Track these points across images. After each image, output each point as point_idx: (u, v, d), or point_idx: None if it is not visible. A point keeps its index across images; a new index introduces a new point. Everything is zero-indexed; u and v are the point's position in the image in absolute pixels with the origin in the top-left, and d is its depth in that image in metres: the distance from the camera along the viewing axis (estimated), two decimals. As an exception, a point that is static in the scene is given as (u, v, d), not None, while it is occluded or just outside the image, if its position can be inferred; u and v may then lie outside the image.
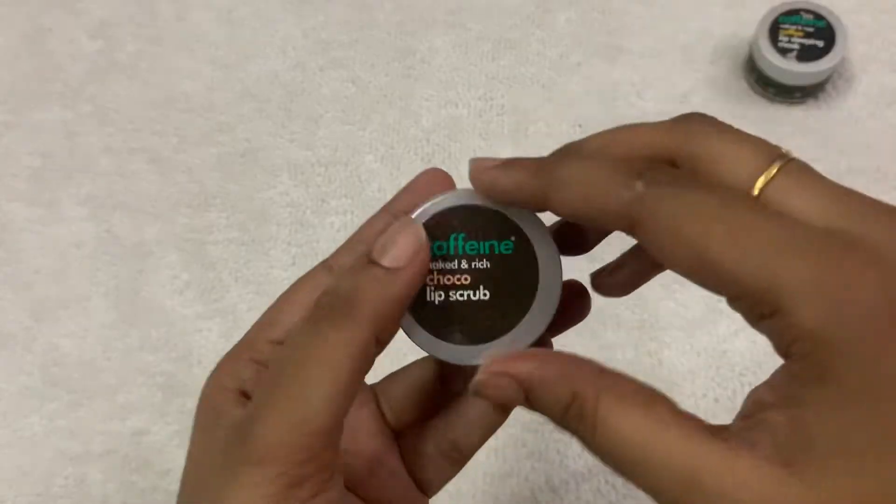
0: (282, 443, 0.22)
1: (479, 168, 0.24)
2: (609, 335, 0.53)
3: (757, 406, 0.20)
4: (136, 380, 0.56)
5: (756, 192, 0.21)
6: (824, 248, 0.19)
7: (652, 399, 0.20)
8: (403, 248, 0.24)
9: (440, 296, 0.25)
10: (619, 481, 0.50)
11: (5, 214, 0.62)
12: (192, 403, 0.58)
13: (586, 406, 0.21)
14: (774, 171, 0.21)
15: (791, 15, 0.59)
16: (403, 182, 0.65)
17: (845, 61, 0.61)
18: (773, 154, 0.21)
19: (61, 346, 0.57)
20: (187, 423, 0.57)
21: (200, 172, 0.62)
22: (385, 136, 0.62)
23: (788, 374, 0.19)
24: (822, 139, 0.59)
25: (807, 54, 0.58)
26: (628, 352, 0.53)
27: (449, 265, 0.25)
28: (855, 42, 0.61)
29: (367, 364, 0.23)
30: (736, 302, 0.20)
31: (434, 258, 0.25)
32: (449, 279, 0.25)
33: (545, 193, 0.22)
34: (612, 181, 0.21)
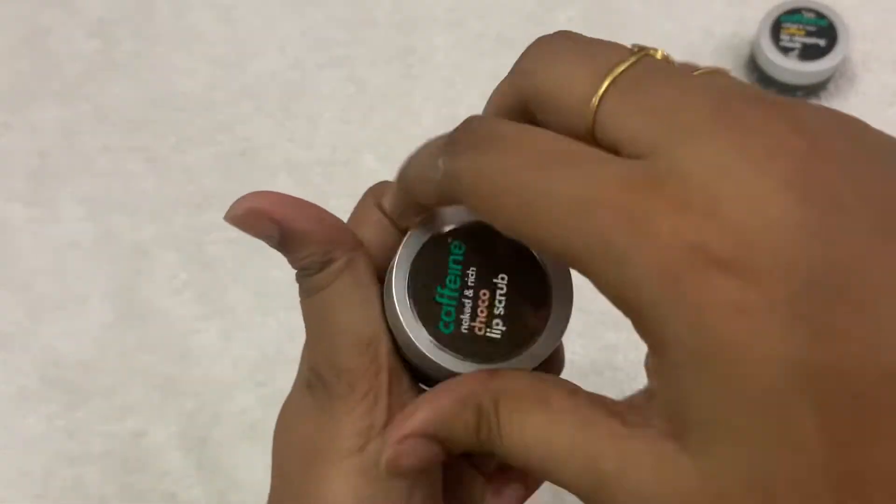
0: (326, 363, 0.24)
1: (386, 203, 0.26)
2: (610, 335, 0.53)
3: (648, 377, 0.19)
4: (134, 380, 0.56)
5: (589, 124, 0.18)
6: (618, 198, 0.17)
7: (547, 392, 0.20)
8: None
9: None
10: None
11: (2, 214, 0.61)
12: (191, 404, 0.58)
13: (490, 416, 0.21)
14: (602, 89, 0.18)
15: (793, 14, 0.59)
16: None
17: (847, 60, 0.61)
18: (608, 64, 0.19)
19: (59, 347, 0.57)
20: (186, 423, 0.57)
21: (199, 172, 0.62)
22: (385, 136, 0.62)
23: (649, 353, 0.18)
24: (823, 138, 0.59)
25: (808, 53, 0.58)
26: (630, 353, 0.53)
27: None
28: (857, 41, 0.61)
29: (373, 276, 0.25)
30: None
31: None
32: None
33: (411, 200, 0.23)
34: (426, 164, 0.21)
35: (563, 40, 0.20)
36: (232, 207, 0.25)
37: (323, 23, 0.66)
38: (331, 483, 0.24)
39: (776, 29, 0.58)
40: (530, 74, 0.20)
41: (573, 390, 0.20)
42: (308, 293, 0.25)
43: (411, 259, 0.25)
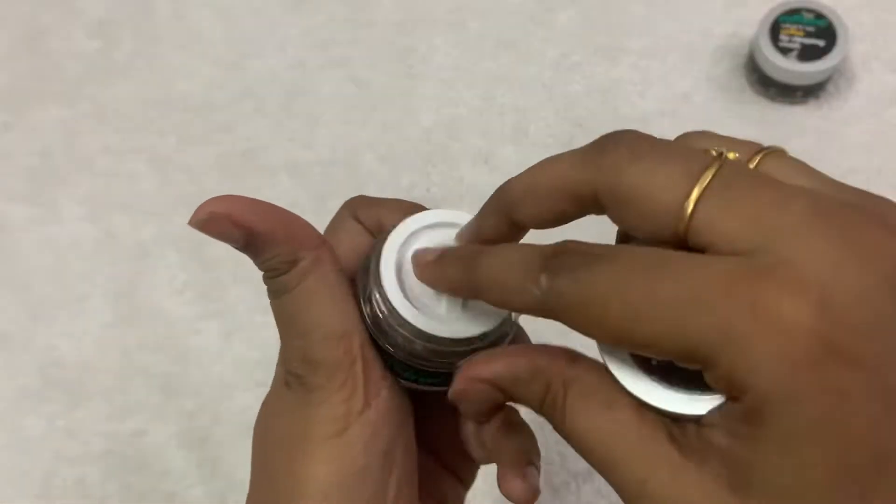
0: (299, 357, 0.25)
1: (419, 264, 0.26)
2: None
3: (709, 422, 0.19)
4: (134, 380, 0.56)
5: (684, 227, 0.19)
6: (734, 289, 0.17)
7: (615, 399, 0.21)
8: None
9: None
10: (620, 482, 0.50)
11: (3, 214, 0.62)
12: (191, 404, 0.58)
13: (557, 398, 0.21)
14: (695, 195, 0.19)
15: (792, 14, 0.59)
16: (404, 182, 0.65)
17: (846, 61, 0.61)
18: (695, 170, 0.19)
19: (60, 347, 0.57)
20: (186, 423, 0.57)
21: (199, 172, 0.62)
22: (385, 136, 0.62)
23: (729, 411, 0.19)
24: (822, 139, 0.59)
25: (808, 54, 0.58)
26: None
27: None
28: (856, 41, 0.61)
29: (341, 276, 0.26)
30: (681, 365, 0.19)
31: None
32: None
33: (476, 293, 0.23)
34: (521, 280, 0.21)
35: (641, 140, 0.21)
36: (195, 212, 0.25)
37: (323, 23, 0.66)
38: (311, 466, 0.25)
39: (775, 29, 0.58)
40: (609, 170, 0.20)
41: (637, 406, 0.21)
42: (277, 294, 0.26)
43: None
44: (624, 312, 0.19)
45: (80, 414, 0.55)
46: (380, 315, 0.26)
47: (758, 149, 0.22)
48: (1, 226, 0.61)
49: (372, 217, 0.28)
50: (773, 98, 0.60)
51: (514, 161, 0.60)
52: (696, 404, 0.20)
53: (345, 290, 0.26)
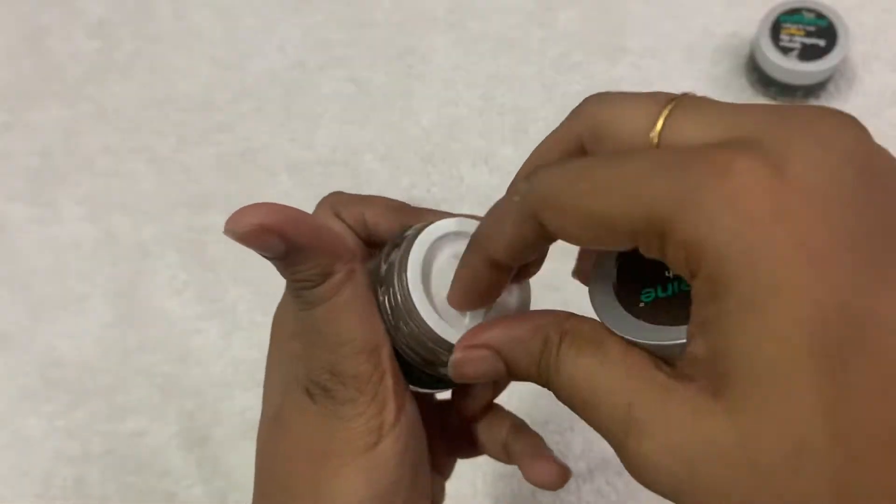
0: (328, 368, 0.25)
1: (452, 297, 0.26)
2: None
3: (688, 336, 0.19)
4: (134, 380, 0.56)
5: (655, 140, 0.20)
6: (697, 160, 0.18)
7: (605, 339, 0.21)
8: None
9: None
10: (620, 482, 0.50)
11: (3, 214, 0.62)
12: (191, 404, 0.58)
13: (552, 351, 0.22)
14: (666, 113, 0.20)
15: (792, 14, 0.59)
16: (404, 182, 0.65)
17: (847, 60, 0.61)
18: (663, 100, 0.20)
19: (60, 347, 0.57)
20: (186, 423, 0.57)
21: (199, 172, 0.62)
22: (385, 136, 0.62)
23: (694, 297, 0.18)
24: (823, 138, 0.59)
25: (808, 53, 0.58)
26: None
27: None
28: (856, 41, 0.61)
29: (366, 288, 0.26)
30: (641, 247, 0.19)
31: None
32: None
33: (489, 258, 0.23)
34: (506, 202, 0.22)
35: (614, 92, 0.22)
36: (233, 221, 0.23)
37: (323, 23, 0.66)
38: (346, 478, 0.25)
39: (776, 29, 0.58)
40: (587, 115, 0.22)
41: (631, 344, 0.21)
42: (308, 305, 0.26)
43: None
44: (590, 186, 0.19)
45: (80, 414, 0.55)
46: (395, 310, 0.26)
47: None
48: (1, 226, 0.61)
49: (355, 214, 0.28)
50: (773, 98, 0.60)
51: (514, 161, 0.60)
52: (680, 333, 0.20)
53: (373, 302, 0.26)
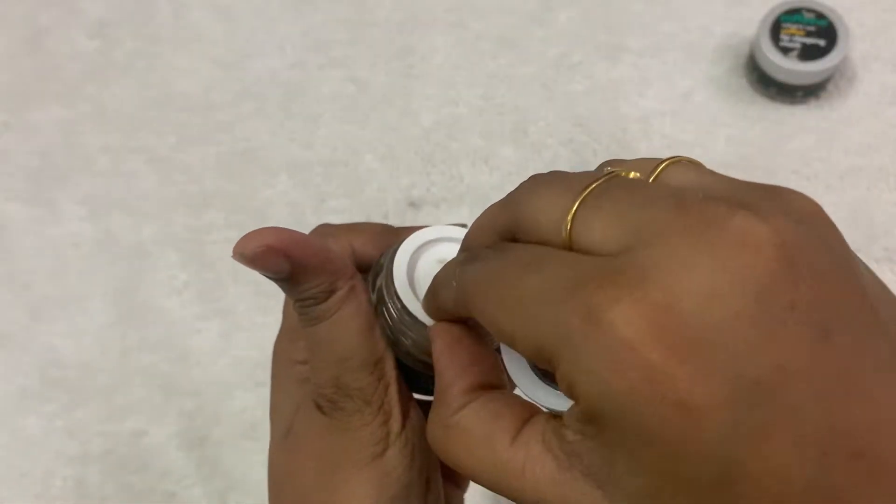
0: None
1: (423, 303, 0.26)
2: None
3: (565, 422, 0.19)
4: (134, 380, 0.56)
5: (566, 239, 0.20)
6: (578, 290, 0.17)
7: (492, 431, 0.21)
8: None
9: None
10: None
11: (3, 214, 0.62)
12: (191, 404, 0.58)
13: (434, 435, 0.22)
14: (572, 211, 0.19)
15: (792, 14, 0.59)
16: (404, 182, 0.65)
17: (847, 60, 0.61)
18: (578, 188, 0.20)
19: (59, 347, 0.57)
20: (186, 423, 0.57)
21: (199, 172, 0.62)
22: (385, 136, 0.62)
23: (572, 411, 0.19)
24: (823, 139, 0.59)
25: (808, 53, 0.58)
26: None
27: None
28: (856, 41, 0.61)
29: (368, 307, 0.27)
30: (539, 365, 0.19)
31: None
32: None
33: (441, 308, 0.24)
34: (447, 277, 0.23)
35: (550, 175, 0.22)
36: (241, 244, 0.24)
37: (323, 23, 0.66)
38: (356, 488, 0.26)
39: (776, 29, 0.58)
40: (515, 204, 0.22)
41: (518, 428, 0.21)
42: (311, 322, 0.27)
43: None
44: (496, 301, 0.20)
45: (79, 414, 0.55)
46: (393, 324, 0.27)
47: (661, 162, 0.21)
48: (1, 226, 0.61)
49: (342, 244, 0.29)
50: (773, 98, 0.60)
51: (513, 161, 0.60)
52: (560, 399, 0.20)
53: (374, 315, 0.27)
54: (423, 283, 0.27)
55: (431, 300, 0.25)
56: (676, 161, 0.21)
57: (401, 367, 0.27)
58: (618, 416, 0.17)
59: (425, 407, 0.28)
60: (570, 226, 0.19)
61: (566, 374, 0.18)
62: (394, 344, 0.27)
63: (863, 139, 0.59)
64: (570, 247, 0.19)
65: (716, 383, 0.16)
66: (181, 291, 0.58)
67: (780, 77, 0.58)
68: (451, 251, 0.28)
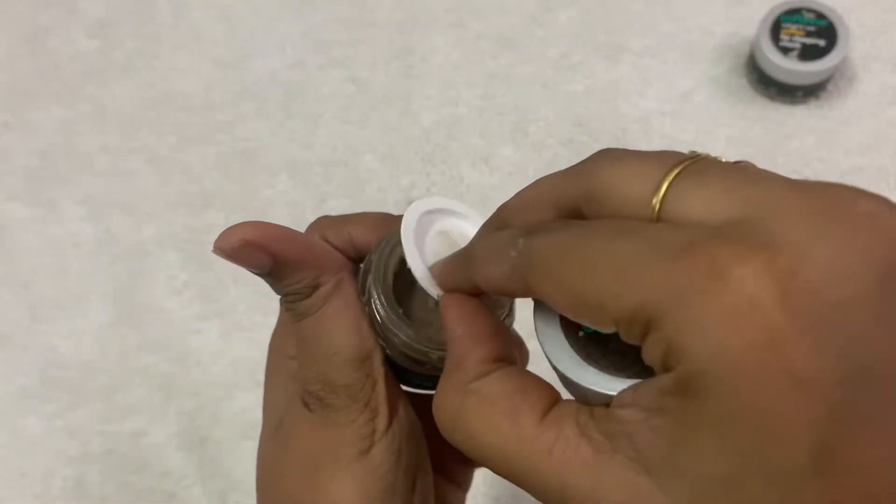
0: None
1: (435, 274, 0.25)
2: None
3: (619, 402, 0.18)
4: (134, 380, 0.56)
5: (654, 211, 0.19)
6: (697, 254, 0.16)
7: (518, 406, 0.20)
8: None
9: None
10: None
11: (3, 214, 0.61)
12: (190, 404, 0.58)
13: (448, 405, 0.21)
14: (667, 183, 0.18)
15: (792, 14, 0.59)
16: (404, 182, 0.65)
17: (847, 60, 0.61)
18: (667, 164, 0.19)
19: (59, 347, 0.57)
20: (186, 423, 0.57)
21: (199, 172, 0.62)
22: (385, 136, 0.62)
23: (652, 384, 0.17)
24: (823, 139, 0.59)
25: (808, 53, 0.58)
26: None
27: None
28: (856, 41, 0.61)
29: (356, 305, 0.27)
30: (620, 331, 0.18)
31: None
32: None
33: (471, 280, 0.23)
34: (502, 248, 0.21)
35: (621, 150, 0.21)
36: (221, 239, 0.24)
37: (323, 23, 0.66)
38: (339, 484, 0.25)
39: (776, 29, 0.58)
40: (587, 176, 0.20)
41: (548, 406, 0.20)
42: (297, 318, 0.26)
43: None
44: (583, 264, 0.18)
45: (79, 414, 0.55)
46: (381, 320, 0.26)
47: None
48: (1, 226, 0.61)
49: (342, 236, 0.28)
50: (773, 98, 0.60)
51: (514, 161, 0.60)
52: (611, 382, 0.19)
53: (361, 310, 0.27)
54: (430, 253, 0.26)
55: (467, 274, 0.23)
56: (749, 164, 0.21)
57: (389, 362, 0.27)
58: (724, 378, 0.16)
59: (415, 404, 0.28)
60: (663, 198, 0.18)
61: (672, 333, 0.16)
62: (382, 339, 0.27)
63: (863, 139, 0.59)
64: (657, 221, 0.19)
65: (832, 361, 0.16)
66: (181, 291, 0.58)
67: (780, 77, 0.58)
68: (454, 225, 0.27)
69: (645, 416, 0.17)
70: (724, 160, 0.20)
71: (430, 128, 0.62)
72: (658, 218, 0.18)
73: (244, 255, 0.25)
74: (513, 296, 0.23)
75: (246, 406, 0.54)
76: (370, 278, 0.27)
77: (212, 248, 0.24)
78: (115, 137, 0.64)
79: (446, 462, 0.31)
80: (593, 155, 0.21)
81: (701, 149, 0.65)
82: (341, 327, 0.26)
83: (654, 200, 0.18)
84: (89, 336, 0.57)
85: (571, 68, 0.63)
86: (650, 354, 0.17)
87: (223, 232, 0.24)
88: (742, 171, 0.18)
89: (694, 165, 0.19)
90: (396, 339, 0.26)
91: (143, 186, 0.62)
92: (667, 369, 0.17)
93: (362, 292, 0.27)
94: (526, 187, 0.23)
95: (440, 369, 0.27)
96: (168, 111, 0.64)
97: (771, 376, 0.16)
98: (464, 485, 0.33)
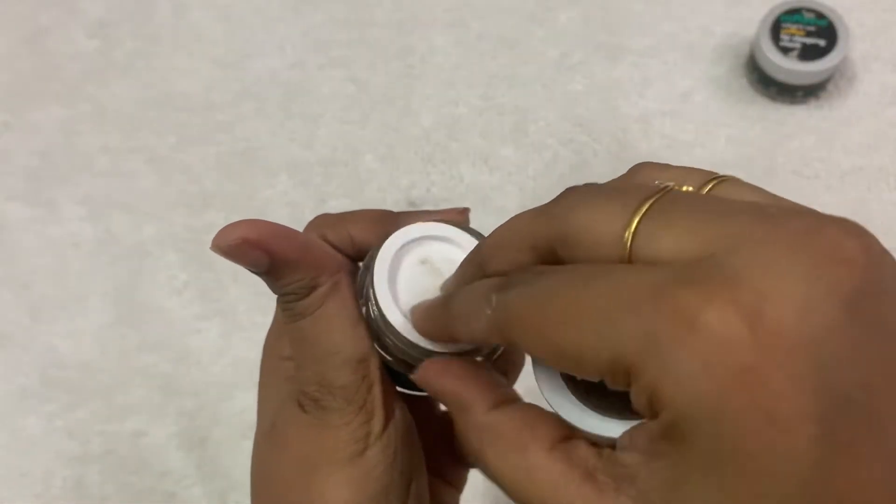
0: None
1: (417, 327, 0.25)
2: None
3: (622, 445, 0.19)
4: (134, 380, 0.56)
5: (626, 252, 0.19)
6: (665, 301, 0.17)
7: (527, 440, 0.20)
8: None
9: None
10: None
11: (3, 214, 0.62)
12: (190, 404, 0.58)
13: (468, 444, 0.22)
14: (635, 222, 0.18)
15: (793, 14, 0.59)
16: (404, 182, 0.65)
17: (847, 60, 0.61)
18: (634, 202, 0.19)
19: (59, 347, 0.57)
20: (186, 423, 0.57)
21: (199, 172, 0.62)
22: (385, 136, 0.62)
23: (646, 430, 0.18)
24: (823, 139, 0.59)
25: (808, 53, 0.58)
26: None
27: None
28: (857, 41, 0.61)
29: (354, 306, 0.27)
30: (609, 383, 0.18)
31: None
32: None
33: (450, 332, 0.23)
34: (478, 302, 0.21)
35: (590, 187, 0.21)
36: (219, 237, 0.24)
37: (323, 23, 0.66)
38: (333, 486, 0.25)
39: (776, 29, 0.58)
40: (558, 218, 0.20)
41: (555, 442, 0.20)
42: (294, 318, 0.26)
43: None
44: (557, 318, 0.18)
45: (79, 414, 0.55)
46: (376, 325, 0.26)
47: (710, 177, 0.21)
48: (1, 226, 0.61)
49: (341, 234, 0.28)
50: (773, 98, 0.60)
51: (514, 161, 0.60)
52: (612, 426, 0.20)
53: (358, 313, 0.27)
54: (406, 286, 0.26)
55: (446, 327, 0.24)
56: (724, 179, 0.21)
57: (386, 364, 0.27)
58: (704, 424, 0.16)
59: (411, 405, 0.28)
60: (632, 238, 0.18)
61: (650, 383, 0.17)
62: (378, 342, 0.27)
63: (863, 139, 0.59)
64: (629, 261, 0.19)
65: (807, 395, 0.16)
66: (181, 291, 0.58)
67: (780, 77, 0.58)
68: (435, 250, 0.27)
69: (643, 459, 0.18)
70: (692, 190, 0.21)
71: (430, 128, 0.62)
72: (629, 259, 0.19)
73: (242, 253, 0.24)
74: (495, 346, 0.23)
75: (246, 406, 0.54)
76: (368, 280, 0.27)
77: (210, 246, 0.24)
78: (115, 137, 0.64)
79: (441, 463, 0.31)
80: (564, 193, 0.21)
81: (701, 149, 0.65)
82: (338, 329, 0.26)
83: (625, 241, 0.19)
84: (89, 336, 0.57)
85: (571, 68, 0.63)
86: (636, 402, 0.18)
87: (222, 229, 0.24)
88: (708, 204, 0.19)
89: (661, 202, 0.19)
90: (391, 343, 0.26)
91: (143, 186, 0.62)
92: (653, 416, 0.17)
93: (360, 293, 0.27)
94: (501, 226, 0.23)
95: None
96: (168, 111, 0.64)
97: (748, 418, 0.16)
98: (458, 485, 0.33)
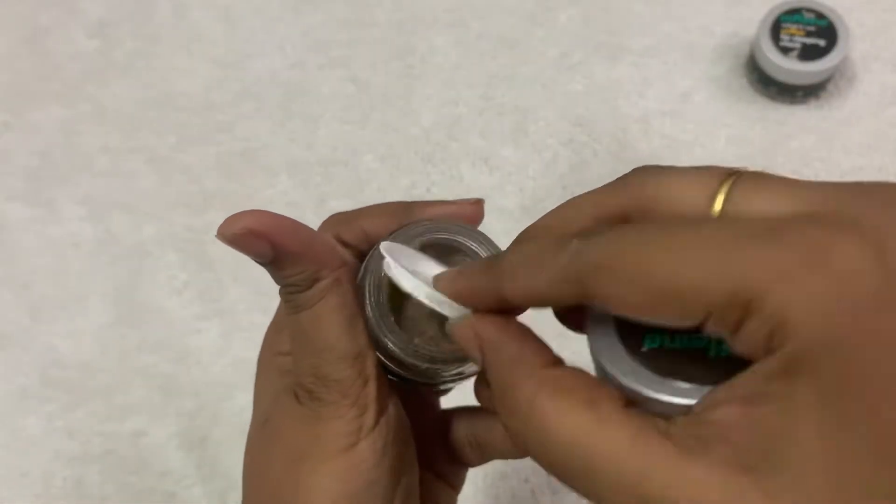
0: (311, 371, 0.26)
1: (443, 282, 0.24)
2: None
3: (710, 403, 0.18)
4: (134, 380, 0.56)
5: (717, 213, 0.19)
6: (793, 235, 0.17)
7: (597, 395, 0.19)
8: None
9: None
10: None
11: (3, 214, 0.62)
12: (190, 404, 0.58)
13: (521, 397, 0.20)
14: (727, 187, 0.19)
15: (793, 14, 0.59)
16: (404, 181, 0.65)
17: (847, 60, 0.61)
18: (722, 174, 0.20)
19: (59, 347, 0.57)
20: (186, 423, 0.57)
21: (199, 172, 0.62)
22: (385, 136, 0.62)
23: (754, 372, 0.17)
24: (823, 138, 0.59)
25: (808, 53, 0.58)
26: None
27: None
28: (857, 41, 0.61)
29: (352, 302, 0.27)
30: (710, 321, 0.17)
31: None
32: None
33: (498, 289, 0.21)
34: (548, 252, 0.20)
35: (663, 165, 0.21)
36: (225, 225, 0.25)
37: (323, 23, 0.66)
38: (322, 477, 0.26)
39: (776, 29, 0.58)
40: (636, 187, 0.21)
41: (626, 402, 0.19)
42: (294, 310, 0.26)
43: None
44: (662, 256, 0.17)
45: (79, 414, 0.55)
46: (371, 324, 0.27)
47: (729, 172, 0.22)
48: (1, 226, 0.61)
49: (354, 230, 0.28)
50: (773, 98, 0.60)
51: (514, 161, 0.60)
52: (690, 393, 0.18)
53: (357, 309, 0.27)
54: (417, 267, 0.26)
55: (490, 283, 0.22)
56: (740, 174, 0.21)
57: (381, 361, 0.27)
58: (836, 350, 0.16)
59: (406, 404, 0.28)
60: (723, 205, 0.19)
61: (778, 311, 0.16)
62: (374, 341, 0.27)
63: (863, 139, 0.59)
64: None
65: None
66: (181, 291, 0.58)
67: (781, 77, 0.58)
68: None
69: (743, 411, 0.17)
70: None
71: (430, 128, 0.62)
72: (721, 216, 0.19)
73: (246, 243, 0.25)
74: (551, 304, 0.21)
75: (246, 406, 0.54)
76: (367, 280, 0.27)
77: (215, 234, 0.24)
78: (115, 137, 0.64)
79: (438, 462, 0.31)
80: (634, 170, 0.22)
81: (701, 149, 0.65)
82: (336, 324, 0.26)
83: (717, 201, 0.19)
84: (89, 336, 0.57)
85: (571, 68, 0.63)
86: (750, 339, 0.17)
87: (228, 218, 0.25)
88: (791, 179, 0.19)
89: (744, 174, 0.20)
90: (385, 345, 0.27)
91: (143, 186, 0.62)
92: (770, 352, 0.16)
93: (361, 291, 0.27)
94: (561, 204, 0.23)
95: (430, 377, 0.28)
96: (168, 111, 0.64)
97: (884, 339, 0.16)
98: (456, 485, 0.33)
